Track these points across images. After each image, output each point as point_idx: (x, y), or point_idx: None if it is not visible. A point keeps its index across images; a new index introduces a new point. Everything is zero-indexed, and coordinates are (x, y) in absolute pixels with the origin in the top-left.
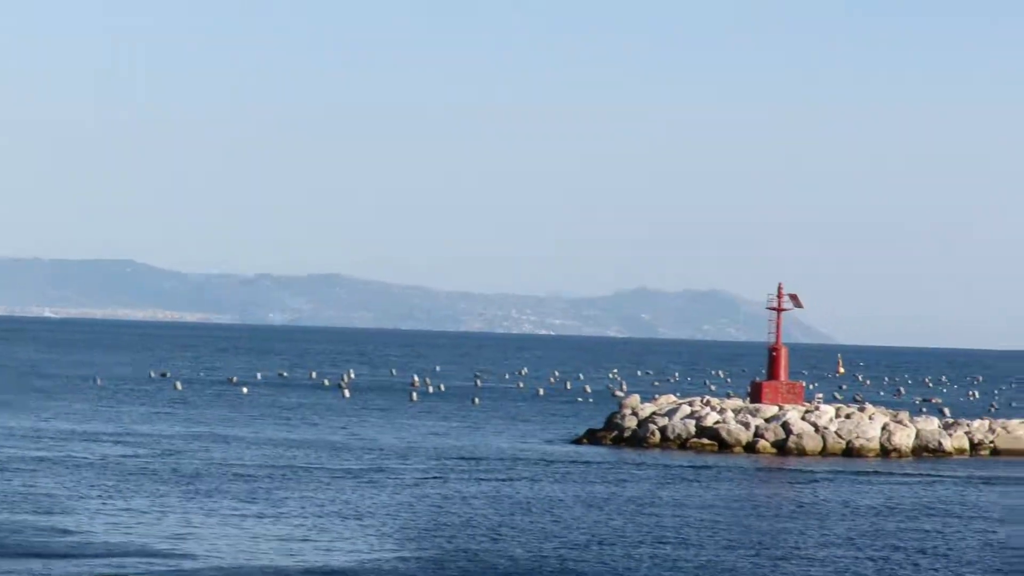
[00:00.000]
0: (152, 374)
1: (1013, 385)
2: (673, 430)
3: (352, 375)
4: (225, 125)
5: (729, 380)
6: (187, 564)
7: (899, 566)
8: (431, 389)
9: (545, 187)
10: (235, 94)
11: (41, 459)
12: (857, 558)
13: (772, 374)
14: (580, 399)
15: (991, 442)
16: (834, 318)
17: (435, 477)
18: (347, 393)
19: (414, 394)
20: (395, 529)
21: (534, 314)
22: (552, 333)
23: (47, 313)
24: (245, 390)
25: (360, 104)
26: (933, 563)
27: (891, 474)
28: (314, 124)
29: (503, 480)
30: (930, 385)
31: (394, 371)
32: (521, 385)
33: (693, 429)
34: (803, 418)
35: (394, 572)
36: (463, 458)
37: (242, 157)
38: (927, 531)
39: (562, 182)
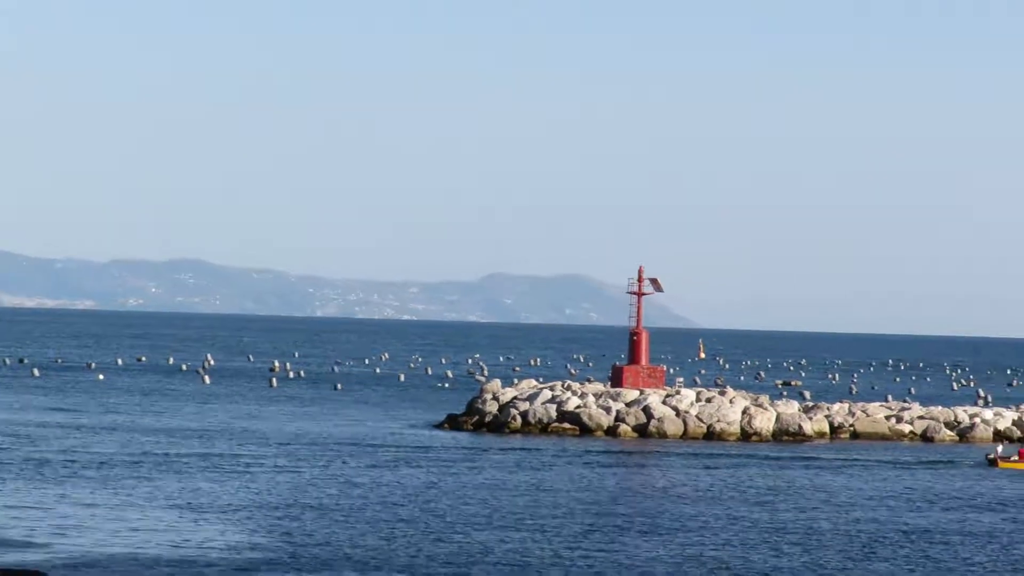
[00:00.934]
0: (7, 361)
1: (872, 368)
2: (534, 415)
3: (211, 361)
4: (77, 110)
5: (590, 364)
6: (40, 554)
7: (753, 548)
8: (291, 375)
9: (406, 170)
10: (84, 77)
11: None
12: (713, 541)
13: (633, 358)
14: (441, 384)
15: (851, 425)
16: (695, 302)
17: (295, 463)
18: (207, 379)
19: (274, 380)
20: (250, 516)
21: (395, 299)
22: (414, 318)
23: None
24: (102, 376)
25: (204, 90)
26: (791, 547)
27: (750, 457)
28: (160, 109)
29: (363, 466)
30: (790, 369)
31: (251, 357)
32: (378, 371)
33: (554, 414)
34: (664, 402)
35: (247, 560)
36: (324, 444)
37: (96, 143)
38: (781, 514)
39: (424, 165)
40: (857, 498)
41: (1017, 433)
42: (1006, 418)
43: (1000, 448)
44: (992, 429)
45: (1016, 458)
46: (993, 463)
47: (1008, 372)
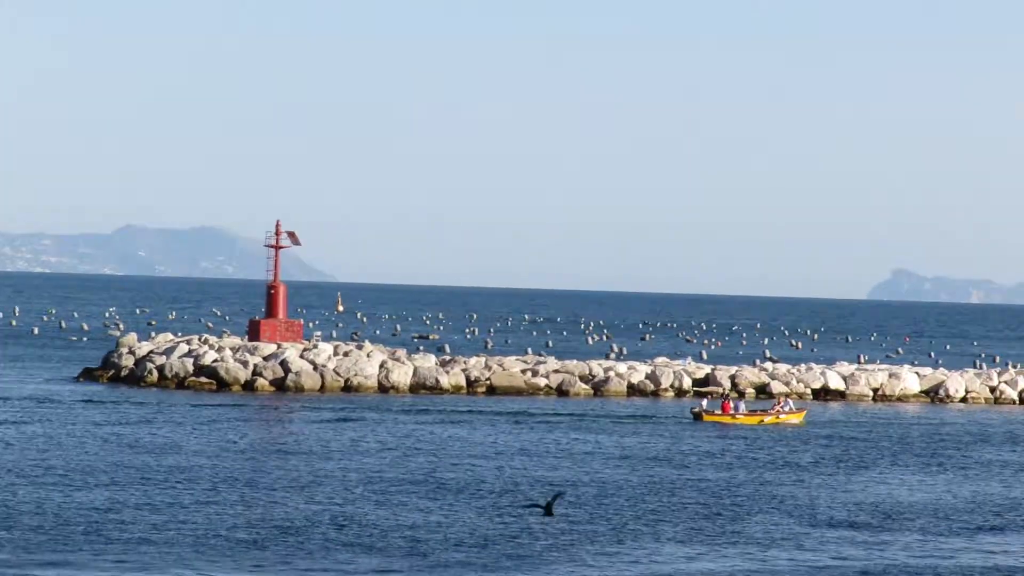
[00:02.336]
0: None
1: (509, 323)
2: (171, 369)
3: None
4: None
5: (227, 319)
6: None
7: (379, 504)
8: None
9: (39, 118)
10: None
11: None
12: (345, 495)
13: (270, 312)
14: (76, 338)
15: (487, 379)
16: (333, 256)
17: None
18: None
19: None
20: None
21: (28, 252)
22: (47, 271)
23: None
24: None
25: None
26: (420, 499)
27: (386, 411)
28: None
29: None
30: (428, 323)
31: None
32: (14, 323)
33: (191, 368)
34: (302, 356)
35: None
36: None
37: None
38: (418, 466)
39: (58, 113)
40: (518, 451)
41: (651, 387)
42: (640, 372)
43: (705, 402)
44: (626, 383)
45: (720, 412)
46: (698, 417)
47: (640, 327)
